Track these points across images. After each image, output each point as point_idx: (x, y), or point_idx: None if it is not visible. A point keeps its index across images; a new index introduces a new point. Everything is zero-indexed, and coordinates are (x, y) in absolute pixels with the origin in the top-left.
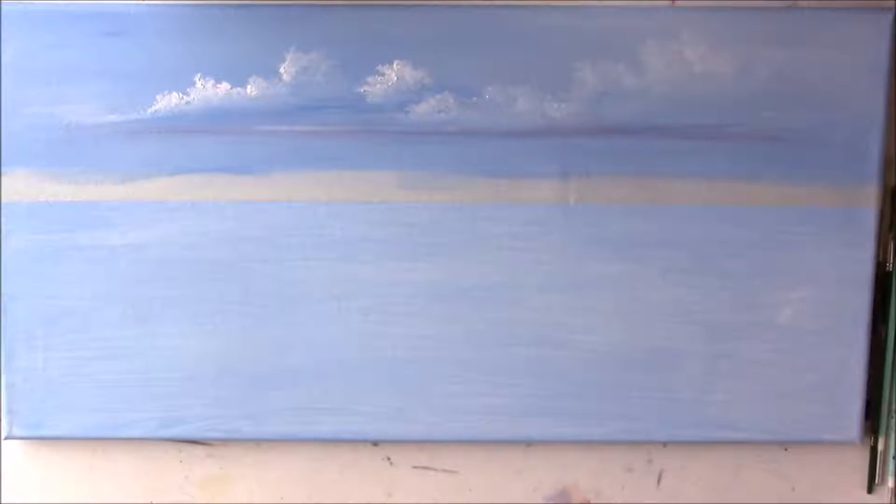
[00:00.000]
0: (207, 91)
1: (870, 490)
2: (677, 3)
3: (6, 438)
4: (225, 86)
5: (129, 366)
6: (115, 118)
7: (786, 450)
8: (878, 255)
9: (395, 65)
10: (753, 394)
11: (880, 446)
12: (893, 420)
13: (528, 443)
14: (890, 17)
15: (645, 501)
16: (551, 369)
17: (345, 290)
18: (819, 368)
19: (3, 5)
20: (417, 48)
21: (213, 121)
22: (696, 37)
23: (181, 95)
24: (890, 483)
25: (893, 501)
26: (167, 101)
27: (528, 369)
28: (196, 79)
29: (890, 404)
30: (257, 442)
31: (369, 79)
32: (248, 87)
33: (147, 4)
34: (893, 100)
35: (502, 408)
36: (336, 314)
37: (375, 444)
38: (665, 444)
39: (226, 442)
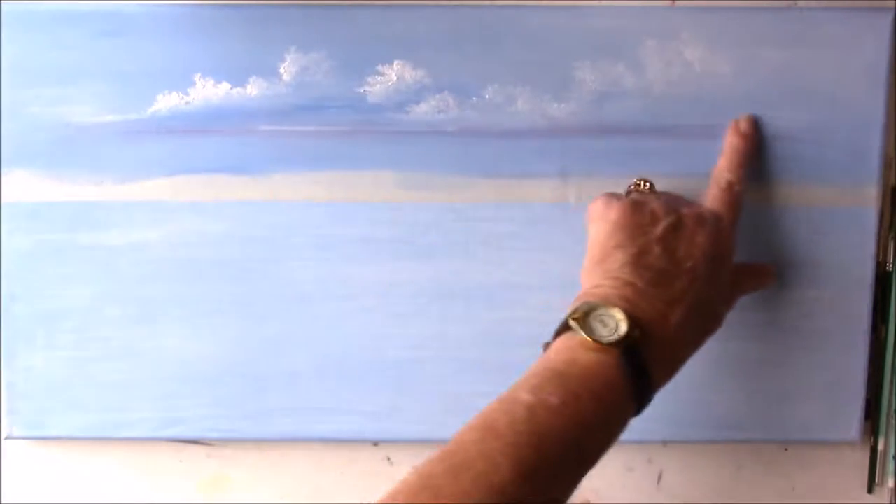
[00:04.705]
0: (207, 91)
1: (870, 490)
2: (677, 3)
3: (7, 438)
4: (225, 86)
5: (129, 366)
6: (115, 118)
7: (786, 450)
8: (878, 255)
9: (395, 65)
10: (753, 394)
11: (880, 446)
12: (893, 420)
13: None
14: (890, 17)
15: (645, 501)
16: None
17: (345, 290)
18: (819, 368)
19: (3, 5)
20: (417, 48)
21: (213, 121)
22: (696, 37)
23: (181, 95)
24: (890, 483)
25: (893, 501)
26: (167, 101)
27: None
28: (196, 79)
29: (890, 404)
30: (257, 442)
31: (369, 79)
32: (248, 87)
33: (147, 4)
34: (893, 100)
35: None
36: (336, 314)
37: (375, 444)
38: (665, 444)
39: (226, 442)
